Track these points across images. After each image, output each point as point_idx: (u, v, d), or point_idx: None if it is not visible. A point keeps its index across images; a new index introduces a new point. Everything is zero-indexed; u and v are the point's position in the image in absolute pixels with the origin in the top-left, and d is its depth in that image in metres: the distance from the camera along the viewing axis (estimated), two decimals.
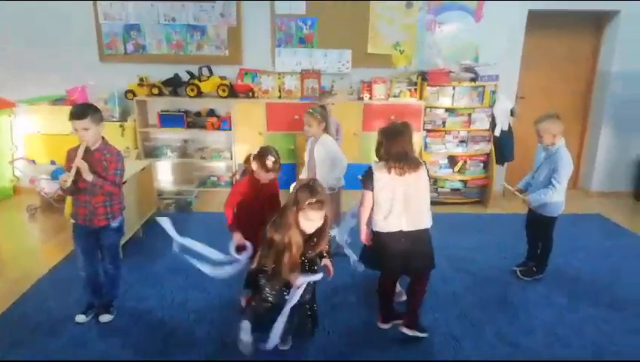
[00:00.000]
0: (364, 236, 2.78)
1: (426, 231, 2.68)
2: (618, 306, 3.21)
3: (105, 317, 2.94)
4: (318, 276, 2.42)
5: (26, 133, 5.00)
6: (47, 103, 4.93)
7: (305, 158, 3.83)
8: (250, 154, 2.90)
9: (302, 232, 2.35)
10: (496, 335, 2.86)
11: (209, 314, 3.04)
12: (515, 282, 3.50)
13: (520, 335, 2.87)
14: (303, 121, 3.67)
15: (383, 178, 2.59)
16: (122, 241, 3.73)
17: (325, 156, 3.59)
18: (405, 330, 2.76)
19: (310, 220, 2.33)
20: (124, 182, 3.68)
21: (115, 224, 2.89)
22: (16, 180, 5.17)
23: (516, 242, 3.80)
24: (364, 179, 2.66)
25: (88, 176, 2.63)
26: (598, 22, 5.47)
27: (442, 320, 2.99)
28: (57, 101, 4.98)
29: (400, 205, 2.58)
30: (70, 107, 2.74)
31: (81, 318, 2.91)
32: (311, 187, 2.32)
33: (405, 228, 2.60)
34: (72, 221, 2.86)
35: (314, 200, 2.27)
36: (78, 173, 2.62)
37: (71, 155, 2.67)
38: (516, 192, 3.41)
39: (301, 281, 2.34)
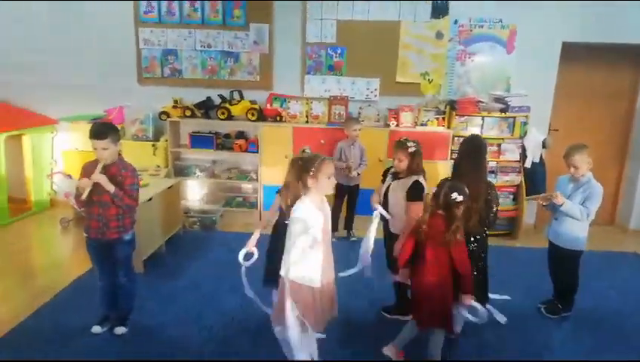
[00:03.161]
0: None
1: None
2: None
3: (120, 330, 2.98)
4: None
5: (65, 149, 5.27)
6: (86, 122, 5.18)
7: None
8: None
9: None
10: None
11: (221, 332, 3.04)
12: (541, 320, 3.33)
13: None
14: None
15: None
16: (144, 256, 3.84)
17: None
18: None
19: None
20: (150, 199, 3.84)
21: (127, 237, 2.94)
22: (53, 193, 5.42)
23: (545, 277, 3.62)
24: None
25: (110, 188, 2.69)
26: (637, 55, 5.31)
27: (463, 354, 2.87)
28: (96, 120, 5.22)
29: None
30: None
31: (96, 329, 2.97)
32: None
33: None
34: (85, 235, 2.90)
35: None
36: (94, 186, 2.70)
37: (87, 169, 2.75)
38: (545, 196, 3.27)
39: None
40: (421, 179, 3.01)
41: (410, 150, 2.99)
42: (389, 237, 3.13)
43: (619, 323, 3.35)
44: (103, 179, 2.68)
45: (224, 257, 4.21)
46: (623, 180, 5.59)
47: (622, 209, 5.58)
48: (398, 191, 3.04)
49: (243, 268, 2.82)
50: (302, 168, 2.39)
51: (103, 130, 2.76)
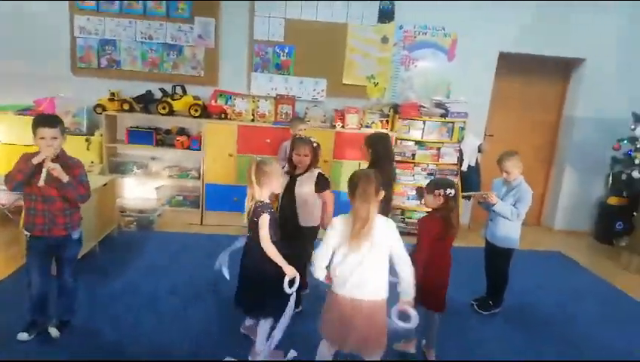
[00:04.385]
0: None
1: None
2: (573, 343, 3.23)
3: (54, 332, 2.80)
4: None
5: None
6: (12, 112, 4.80)
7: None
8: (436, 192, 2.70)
9: None
10: None
11: (158, 336, 2.91)
12: (473, 316, 3.50)
13: None
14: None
15: None
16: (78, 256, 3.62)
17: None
18: None
19: None
20: None
21: (76, 235, 2.79)
22: None
23: (478, 275, 3.79)
24: None
25: (64, 177, 2.55)
26: (565, 68, 5.72)
27: (396, 353, 2.93)
28: (23, 111, 4.85)
29: None
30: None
31: (23, 336, 2.74)
32: None
33: None
34: (27, 233, 2.69)
35: None
36: (37, 176, 2.52)
37: (28, 157, 2.55)
38: (481, 194, 3.46)
39: None
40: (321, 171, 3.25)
41: (314, 145, 3.18)
42: (300, 234, 3.14)
43: (545, 317, 3.59)
44: (58, 168, 2.52)
45: (161, 258, 4.08)
46: (549, 183, 6.00)
47: (547, 210, 5.99)
48: (305, 185, 3.15)
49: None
50: (379, 183, 2.28)
51: (53, 118, 2.63)
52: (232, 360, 2.67)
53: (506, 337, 3.26)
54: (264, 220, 2.50)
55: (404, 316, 2.30)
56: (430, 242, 2.69)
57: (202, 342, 2.87)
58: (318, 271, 2.33)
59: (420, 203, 5.23)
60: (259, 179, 2.53)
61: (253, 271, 2.60)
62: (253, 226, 2.54)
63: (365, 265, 2.23)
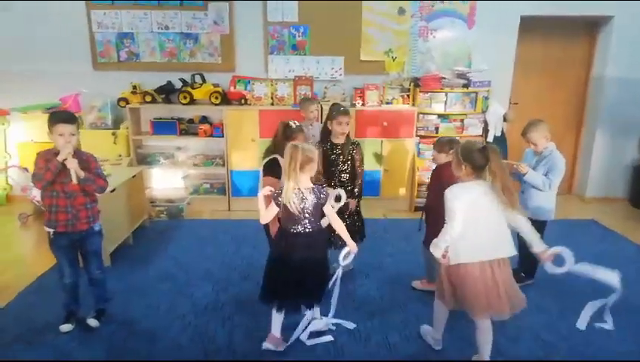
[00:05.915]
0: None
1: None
2: (611, 311, 3.16)
3: (93, 322, 2.91)
4: None
5: (20, 141, 5.02)
6: (40, 111, 4.94)
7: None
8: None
9: None
10: None
11: (194, 321, 3.01)
12: None
13: (506, 342, 2.84)
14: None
15: None
16: (111, 249, 3.75)
17: None
18: None
19: None
20: (113, 190, 3.72)
21: (97, 227, 2.88)
22: (9, 188, 5.17)
23: None
24: None
25: (80, 173, 2.62)
26: (591, 27, 5.47)
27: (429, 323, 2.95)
28: (51, 109, 4.98)
29: None
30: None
31: (67, 327, 2.86)
32: None
33: None
34: (50, 231, 2.75)
35: None
36: (60, 174, 2.60)
37: (46, 156, 2.62)
38: (511, 163, 3.32)
39: None
40: None
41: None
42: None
43: (580, 286, 3.49)
44: (76, 165, 2.59)
45: (192, 246, 4.17)
46: (579, 149, 5.82)
47: (579, 177, 5.83)
48: None
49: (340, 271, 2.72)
50: None
51: (71, 114, 2.71)
52: (270, 347, 2.70)
53: (542, 307, 3.22)
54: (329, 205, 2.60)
55: (558, 261, 2.54)
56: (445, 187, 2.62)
57: (236, 329, 2.93)
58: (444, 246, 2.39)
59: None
60: (305, 166, 2.47)
61: (319, 262, 2.62)
62: (315, 215, 2.53)
63: (504, 224, 2.42)
